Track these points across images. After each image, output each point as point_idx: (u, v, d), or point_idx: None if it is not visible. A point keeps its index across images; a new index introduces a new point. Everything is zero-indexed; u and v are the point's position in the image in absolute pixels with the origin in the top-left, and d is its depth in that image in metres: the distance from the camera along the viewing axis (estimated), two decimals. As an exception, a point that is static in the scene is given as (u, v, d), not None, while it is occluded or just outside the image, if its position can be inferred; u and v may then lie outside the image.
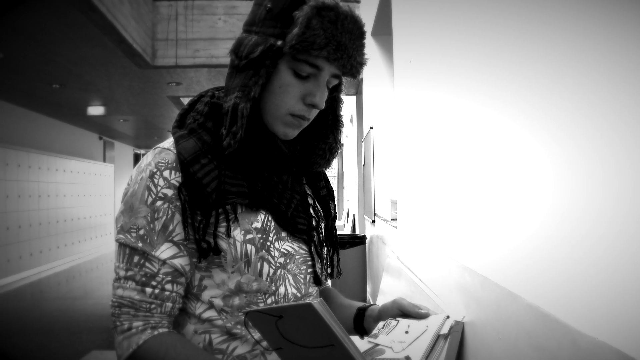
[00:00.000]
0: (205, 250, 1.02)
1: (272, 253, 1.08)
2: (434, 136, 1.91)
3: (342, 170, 11.04)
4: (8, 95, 8.91)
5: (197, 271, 1.06)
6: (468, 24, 1.44)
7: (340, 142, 1.21)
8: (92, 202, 13.23)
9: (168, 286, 1.02)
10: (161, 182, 1.01)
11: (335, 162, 1.31)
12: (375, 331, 1.26)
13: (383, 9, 3.91)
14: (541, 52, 0.97)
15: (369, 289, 5.61)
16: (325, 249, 1.25)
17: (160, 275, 1.01)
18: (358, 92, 7.64)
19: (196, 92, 8.64)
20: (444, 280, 1.70)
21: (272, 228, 1.09)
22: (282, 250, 1.10)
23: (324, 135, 1.19)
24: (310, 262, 1.17)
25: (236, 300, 1.06)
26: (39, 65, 7.06)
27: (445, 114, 1.71)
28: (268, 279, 1.07)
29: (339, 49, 0.99)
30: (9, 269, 9.07)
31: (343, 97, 1.22)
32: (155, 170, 1.02)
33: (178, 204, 1.02)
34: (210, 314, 1.06)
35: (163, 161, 1.03)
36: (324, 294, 1.36)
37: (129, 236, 1.01)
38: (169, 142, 1.09)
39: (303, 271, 1.15)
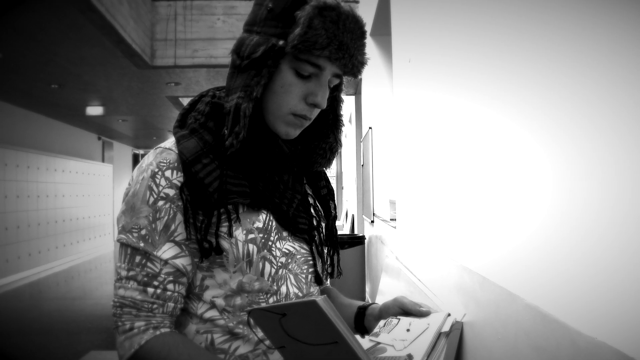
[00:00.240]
0: (207, 250, 1.02)
1: (274, 253, 1.08)
2: (433, 136, 1.91)
3: (341, 171, 11.05)
4: (7, 95, 8.91)
5: (199, 271, 1.06)
6: (467, 24, 1.44)
7: (340, 141, 1.21)
8: (90, 202, 13.23)
9: (170, 286, 1.02)
10: (163, 182, 1.01)
11: (334, 162, 1.32)
12: (376, 330, 1.26)
13: (382, 9, 3.91)
14: (540, 51, 0.97)
15: (367, 289, 5.61)
16: (326, 248, 1.25)
17: (162, 275, 1.01)
18: (357, 92, 7.63)
19: (195, 92, 8.66)
20: (443, 280, 1.70)
21: (273, 228, 1.09)
22: (283, 250, 1.10)
23: (324, 134, 1.19)
24: (311, 262, 1.18)
25: (238, 300, 1.06)
26: (38, 66, 7.06)
27: (444, 114, 1.71)
28: (270, 279, 1.07)
29: (341, 49, 0.99)
30: (8, 269, 9.07)
31: (343, 96, 1.22)
32: (156, 170, 1.02)
33: (180, 203, 1.02)
34: (212, 313, 1.06)
35: (165, 161, 1.03)
36: (325, 294, 1.36)
37: (130, 236, 1.01)
38: (170, 142, 1.09)
39: (304, 271, 1.15)
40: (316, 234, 1.19)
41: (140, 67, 7.06)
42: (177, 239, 1.02)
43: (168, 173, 1.02)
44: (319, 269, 1.20)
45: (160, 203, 1.01)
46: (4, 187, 9.02)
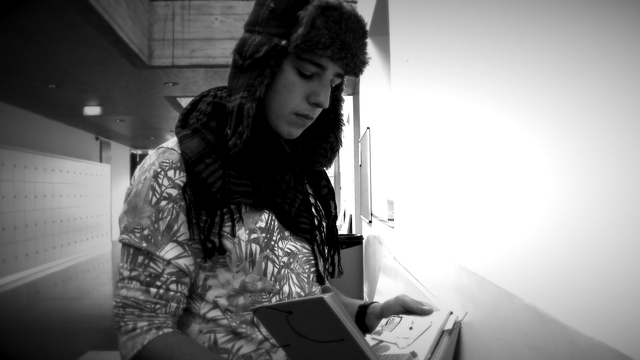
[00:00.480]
0: (210, 250, 1.02)
1: (276, 252, 1.08)
2: (431, 136, 1.91)
3: (339, 171, 11.04)
4: (5, 95, 8.90)
5: (202, 271, 1.06)
6: (465, 23, 1.44)
7: (341, 140, 1.22)
8: (88, 202, 13.21)
9: (172, 286, 1.02)
10: (165, 182, 1.02)
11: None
12: (378, 328, 1.26)
13: (380, 9, 3.91)
14: (539, 51, 0.97)
15: (365, 289, 5.61)
16: (326, 248, 1.25)
17: (165, 276, 1.01)
18: (355, 92, 7.63)
19: (193, 92, 8.66)
20: (441, 280, 1.70)
21: (275, 227, 1.09)
22: (285, 249, 1.10)
23: (325, 134, 1.20)
24: (313, 261, 1.18)
25: (241, 300, 1.06)
26: (36, 65, 7.05)
27: (442, 114, 1.71)
28: (272, 278, 1.07)
29: (343, 49, 1.00)
30: (5, 270, 9.06)
31: (343, 96, 1.23)
32: (159, 170, 1.02)
33: (182, 203, 1.02)
34: (215, 313, 1.06)
35: (167, 161, 1.03)
36: (324, 292, 1.36)
37: (132, 236, 1.01)
38: (172, 142, 1.09)
39: (306, 270, 1.16)
40: (318, 233, 1.19)
41: (138, 67, 7.06)
42: (180, 239, 1.02)
43: (171, 173, 1.02)
44: (321, 268, 1.20)
45: (163, 203, 1.01)
46: (1, 187, 9.01)
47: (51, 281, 9.50)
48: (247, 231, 1.04)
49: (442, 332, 1.24)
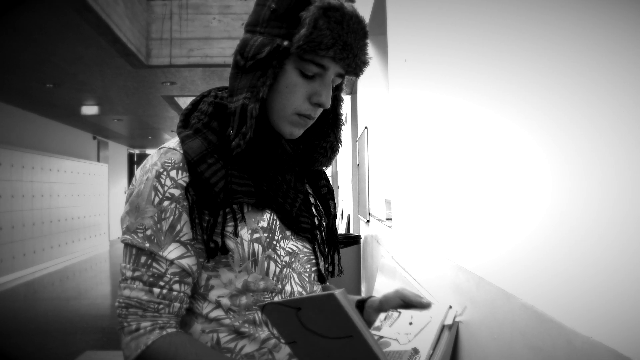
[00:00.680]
0: (213, 250, 1.02)
1: (278, 252, 1.09)
2: (428, 136, 1.91)
3: (337, 170, 11.03)
4: (2, 94, 8.88)
5: (204, 271, 1.07)
6: (463, 23, 1.44)
7: (341, 140, 1.22)
8: (86, 202, 13.19)
9: (176, 286, 1.02)
10: (168, 182, 1.02)
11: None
12: (377, 323, 1.26)
13: (378, 9, 3.91)
14: (537, 51, 0.97)
15: (363, 288, 5.61)
16: (326, 247, 1.25)
17: (168, 276, 1.01)
18: (352, 91, 7.63)
19: (190, 91, 8.65)
20: (439, 280, 1.70)
21: (277, 227, 1.10)
22: (287, 249, 1.11)
23: (324, 133, 1.20)
24: (314, 261, 1.19)
25: (243, 300, 1.06)
26: (34, 65, 7.04)
27: (440, 113, 1.71)
28: (274, 278, 1.08)
29: (345, 49, 1.01)
30: (3, 269, 9.04)
31: (342, 96, 1.23)
32: (161, 170, 1.03)
33: (185, 204, 1.02)
34: (218, 313, 1.07)
35: (169, 161, 1.04)
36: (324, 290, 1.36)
37: (135, 237, 1.01)
38: (174, 142, 1.09)
39: (307, 269, 1.16)
40: (318, 233, 1.20)
41: (135, 67, 7.05)
42: (183, 239, 1.03)
43: (173, 173, 1.02)
44: (322, 267, 1.21)
45: (166, 203, 1.01)
46: (-1, 187, 9.01)
47: (49, 281, 9.49)
48: (250, 231, 1.05)
49: (443, 327, 1.24)
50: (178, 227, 1.02)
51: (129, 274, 1.02)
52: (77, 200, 12.60)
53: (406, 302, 1.26)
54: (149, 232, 1.01)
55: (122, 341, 1.01)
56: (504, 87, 1.13)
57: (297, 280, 1.12)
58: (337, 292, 0.86)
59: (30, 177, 10.12)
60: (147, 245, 1.00)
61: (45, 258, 10.70)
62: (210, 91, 1.17)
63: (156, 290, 1.00)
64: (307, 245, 1.17)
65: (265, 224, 1.07)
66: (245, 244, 1.04)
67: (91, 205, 13.61)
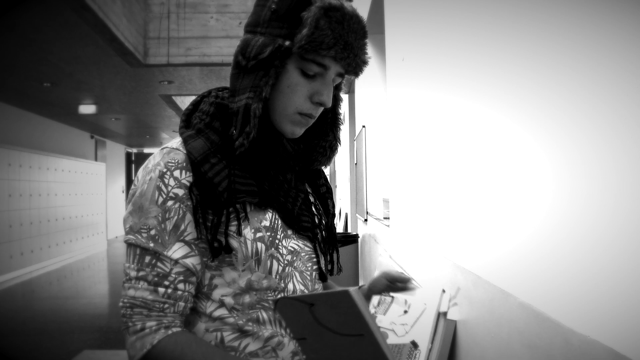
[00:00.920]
0: (217, 249, 1.03)
1: (281, 251, 1.10)
2: (426, 135, 1.91)
3: (334, 169, 11.03)
4: (0, 94, 8.87)
5: (208, 270, 1.07)
6: (461, 22, 1.44)
7: (339, 139, 1.23)
8: (83, 201, 13.18)
9: (180, 286, 1.02)
10: (172, 182, 1.02)
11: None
12: (371, 310, 1.26)
13: (375, 8, 3.91)
14: (535, 49, 0.97)
15: (361, 287, 5.60)
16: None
17: (173, 275, 1.02)
18: (350, 90, 7.63)
19: (188, 90, 8.64)
20: (437, 279, 1.70)
21: (279, 226, 1.11)
22: (289, 247, 1.12)
23: (324, 133, 1.21)
24: (315, 259, 1.19)
25: (247, 298, 1.07)
26: (31, 64, 7.03)
27: (438, 112, 1.71)
28: (277, 276, 1.09)
29: (346, 49, 1.02)
30: (0, 269, 9.03)
31: (341, 95, 1.24)
32: (165, 170, 1.03)
33: (189, 203, 1.03)
34: (221, 312, 1.07)
35: (173, 161, 1.04)
36: (325, 288, 1.37)
37: (139, 236, 1.02)
38: (176, 142, 1.10)
39: (309, 268, 1.17)
40: (319, 231, 1.21)
41: (133, 66, 7.05)
42: (187, 238, 1.03)
43: (177, 173, 1.03)
44: (323, 266, 1.22)
45: (170, 203, 1.02)
46: (-4, 186, 8.99)
47: (46, 280, 9.48)
48: (253, 230, 1.06)
49: (438, 316, 1.24)
50: (182, 227, 1.02)
51: (133, 273, 1.02)
52: (75, 200, 12.59)
53: (391, 280, 1.27)
54: (153, 232, 1.01)
55: (127, 341, 1.01)
56: (502, 85, 1.14)
57: (299, 278, 1.13)
58: (352, 290, 0.86)
59: (28, 176, 10.10)
60: (152, 245, 1.01)
61: (43, 257, 10.68)
62: (210, 91, 1.18)
63: (161, 289, 1.01)
64: (308, 244, 1.18)
65: (267, 223, 1.08)
66: (249, 243, 1.05)
67: (89, 205, 13.59)
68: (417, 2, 2.07)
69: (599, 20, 0.75)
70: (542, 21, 0.93)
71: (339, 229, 8.43)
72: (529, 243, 0.99)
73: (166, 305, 1.01)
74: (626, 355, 0.67)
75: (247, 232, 1.05)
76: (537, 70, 0.95)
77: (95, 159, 14.70)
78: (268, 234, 1.07)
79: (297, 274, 1.13)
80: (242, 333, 1.06)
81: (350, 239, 5.81)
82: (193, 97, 1.21)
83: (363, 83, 5.04)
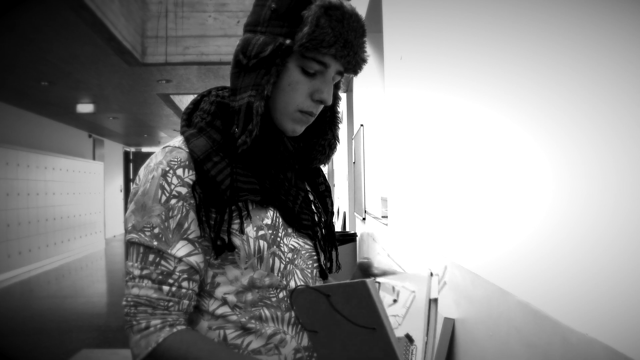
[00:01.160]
0: (220, 247, 1.03)
1: (282, 249, 1.11)
2: (424, 134, 1.91)
3: (333, 168, 11.03)
4: (-3, 93, 8.87)
5: (210, 268, 1.08)
6: (459, 21, 1.44)
7: (338, 137, 1.24)
8: (81, 200, 13.16)
9: (184, 284, 1.03)
10: (175, 181, 1.03)
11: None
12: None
13: (373, 6, 3.91)
14: (533, 48, 0.97)
15: (360, 286, 5.60)
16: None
17: (177, 273, 1.02)
18: (348, 89, 7.63)
19: (186, 89, 8.63)
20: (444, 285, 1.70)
21: (280, 224, 1.12)
22: (289, 245, 1.13)
23: (322, 131, 1.23)
24: (315, 257, 1.20)
25: (249, 296, 1.08)
26: (29, 63, 7.02)
27: (436, 111, 1.71)
28: (279, 274, 1.10)
29: (346, 47, 1.04)
30: (-2, 268, 9.03)
31: (339, 94, 1.25)
32: (167, 168, 1.04)
33: (192, 201, 1.04)
34: (224, 310, 1.08)
35: (175, 159, 1.05)
36: None
37: (142, 235, 1.02)
38: (178, 141, 1.11)
39: (309, 266, 1.18)
40: (318, 229, 1.21)
41: (131, 65, 7.04)
42: (191, 236, 1.04)
43: (180, 171, 1.04)
44: (323, 263, 1.23)
45: (173, 201, 1.02)
46: (-6, 185, 8.98)
47: (44, 279, 9.47)
48: (255, 228, 1.06)
49: (430, 303, 1.23)
50: (185, 225, 1.03)
51: (136, 272, 1.02)
52: (73, 199, 12.57)
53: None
54: (156, 230, 1.02)
55: (131, 340, 1.01)
56: (500, 84, 1.14)
57: (300, 276, 1.14)
58: (368, 280, 0.87)
59: (26, 176, 10.09)
60: (155, 243, 1.01)
61: (41, 256, 10.67)
62: (210, 91, 1.20)
63: (165, 287, 1.01)
64: (309, 242, 1.19)
65: (269, 221, 1.09)
66: (251, 241, 1.05)
67: (87, 204, 13.57)
68: (415, 1, 2.07)
69: (599, 20, 0.75)
70: (541, 21, 0.94)
71: (337, 227, 8.44)
72: (528, 242, 0.99)
73: (171, 304, 1.02)
74: (624, 353, 0.68)
75: (250, 230, 1.06)
76: (536, 70, 0.95)
77: (93, 158, 14.68)
78: (270, 231, 1.08)
79: (298, 272, 1.14)
80: (245, 331, 1.07)
81: (349, 238, 5.81)
82: (191, 96, 1.22)
83: (361, 82, 5.04)
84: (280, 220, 1.12)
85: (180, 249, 1.02)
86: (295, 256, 1.14)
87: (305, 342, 1.11)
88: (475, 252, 1.30)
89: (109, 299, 7.71)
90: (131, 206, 1.06)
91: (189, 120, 1.16)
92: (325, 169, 14.41)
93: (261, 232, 1.07)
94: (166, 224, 1.02)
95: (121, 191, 17.44)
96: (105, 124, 12.88)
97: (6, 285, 8.73)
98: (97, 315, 6.58)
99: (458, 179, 1.46)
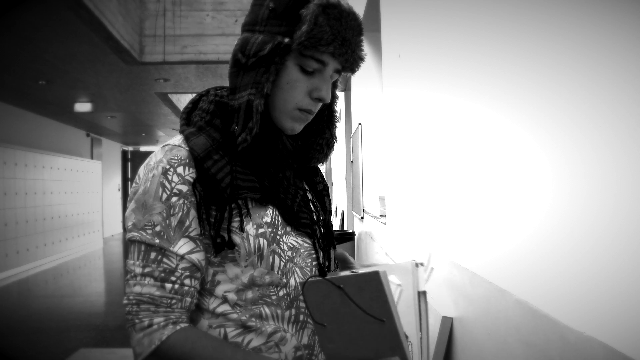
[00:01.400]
0: (220, 244, 1.04)
1: (282, 247, 1.11)
2: (422, 132, 1.91)
3: (331, 167, 11.04)
4: (-6, 92, 8.85)
5: (210, 266, 1.08)
6: (457, 20, 1.44)
7: (336, 136, 1.25)
8: (79, 199, 13.16)
9: (187, 281, 1.03)
10: (175, 178, 1.03)
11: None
12: None
13: (371, 5, 3.91)
14: (533, 48, 0.97)
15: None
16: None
17: (179, 271, 1.03)
18: (346, 88, 7.63)
19: (184, 88, 8.62)
20: (433, 276, 1.70)
21: (280, 222, 1.12)
22: (289, 244, 1.13)
23: (320, 130, 1.23)
24: (314, 255, 1.20)
25: (249, 294, 1.08)
26: (26, 62, 7.01)
27: (434, 110, 1.71)
28: (279, 272, 1.10)
29: (344, 45, 1.05)
30: (-4, 267, 9.03)
31: (336, 93, 1.26)
32: (168, 167, 1.04)
33: (193, 199, 1.04)
34: (225, 308, 1.08)
35: (175, 158, 1.05)
36: None
37: (144, 233, 1.02)
38: (177, 139, 1.11)
39: (309, 264, 1.18)
40: (317, 228, 1.22)
41: (129, 64, 7.03)
42: (192, 234, 1.04)
43: (180, 169, 1.04)
44: (322, 262, 1.23)
45: (174, 199, 1.03)
46: (-8, 185, 8.97)
47: (42, 279, 9.46)
48: (255, 226, 1.07)
49: (419, 296, 1.23)
50: (187, 223, 1.03)
51: (138, 270, 1.02)
52: (71, 198, 12.57)
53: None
54: (158, 228, 1.02)
55: (133, 338, 1.01)
56: (499, 83, 1.14)
57: (299, 274, 1.14)
58: (381, 272, 0.88)
59: (24, 175, 10.08)
60: (157, 241, 1.01)
61: (38, 256, 10.67)
62: (208, 90, 1.20)
63: (168, 285, 1.01)
64: (307, 240, 1.19)
65: (268, 219, 1.10)
66: (251, 238, 1.06)
67: (85, 203, 13.57)
68: (413, 0, 2.07)
69: (599, 20, 0.75)
70: (540, 20, 0.94)
71: (336, 226, 8.44)
72: (527, 241, 0.99)
73: (174, 301, 1.02)
74: (622, 352, 0.68)
75: (250, 227, 1.06)
76: (536, 69, 0.95)
77: (91, 157, 14.67)
78: (270, 229, 1.08)
79: (297, 270, 1.14)
80: (245, 329, 1.07)
81: (347, 237, 5.81)
82: (189, 95, 1.23)
83: (359, 81, 5.04)
84: (280, 218, 1.12)
85: (182, 246, 1.03)
86: (294, 254, 1.14)
87: (305, 340, 1.11)
88: (473, 251, 1.30)
89: (106, 298, 7.71)
90: (131, 205, 1.07)
91: (188, 119, 1.16)
92: (323, 168, 14.42)
93: (261, 230, 1.07)
94: (167, 221, 1.02)
95: (119, 190, 17.43)
96: (103, 123, 12.87)
97: (4, 285, 8.72)
98: (95, 314, 6.58)
99: (456, 178, 1.46)
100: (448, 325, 1.41)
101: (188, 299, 1.04)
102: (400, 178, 2.46)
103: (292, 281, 1.12)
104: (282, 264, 1.10)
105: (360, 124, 4.87)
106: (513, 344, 1.04)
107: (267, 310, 1.08)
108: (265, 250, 1.07)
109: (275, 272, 1.09)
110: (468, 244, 1.35)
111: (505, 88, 1.09)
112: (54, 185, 11.53)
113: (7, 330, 5.89)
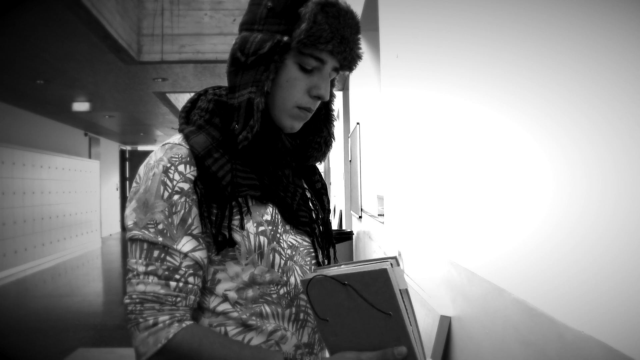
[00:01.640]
0: (221, 242, 1.04)
1: (282, 245, 1.11)
2: (421, 132, 1.91)
3: (329, 166, 11.04)
4: (-8, 91, 8.84)
5: (211, 265, 1.09)
6: (455, 19, 1.44)
7: (333, 135, 1.26)
8: (77, 198, 13.14)
9: (190, 279, 1.04)
10: (177, 177, 1.04)
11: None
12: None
13: (370, 5, 3.91)
14: (532, 48, 0.97)
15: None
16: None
17: (183, 269, 1.03)
18: (344, 88, 7.63)
19: (182, 87, 8.61)
20: (431, 275, 1.70)
21: (279, 221, 1.12)
22: (288, 242, 1.14)
23: (317, 129, 1.24)
24: (313, 254, 1.21)
25: (250, 292, 1.08)
26: (24, 62, 7.00)
27: (433, 109, 1.71)
28: (280, 270, 1.10)
29: (342, 43, 1.06)
30: (-6, 267, 9.01)
31: (334, 92, 1.27)
32: (169, 165, 1.04)
33: (194, 197, 1.04)
34: (225, 306, 1.08)
35: (176, 156, 1.06)
36: None
37: (146, 232, 1.02)
38: (177, 138, 1.12)
39: (308, 262, 1.19)
40: (316, 226, 1.22)
41: (127, 63, 7.03)
42: (194, 232, 1.05)
43: (181, 167, 1.04)
44: (321, 260, 1.23)
45: (176, 197, 1.03)
46: (-10, 184, 8.96)
47: (40, 278, 9.45)
48: (255, 224, 1.07)
49: (401, 295, 1.21)
50: (189, 221, 1.04)
51: (141, 268, 1.02)
52: (69, 197, 12.55)
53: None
54: (160, 227, 1.02)
55: (137, 338, 1.01)
56: (498, 83, 1.14)
57: (299, 272, 1.15)
58: (389, 268, 0.88)
59: (21, 174, 10.07)
60: (160, 239, 1.02)
61: (37, 255, 10.65)
62: (207, 90, 1.21)
63: (172, 283, 1.02)
64: (307, 239, 1.20)
65: (268, 217, 1.10)
66: (252, 236, 1.06)
67: (83, 202, 13.55)
68: (411, -2, 2.07)
69: (599, 20, 0.75)
70: (540, 20, 0.94)
71: (334, 226, 8.44)
72: (525, 240, 0.99)
73: (178, 299, 1.02)
74: (620, 351, 0.68)
75: (250, 225, 1.06)
76: (535, 69, 0.95)
77: (89, 157, 14.66)
78: (270, 227, 1.09)
79: (297, 268, 1.14)
80: (246, 327, 1.08)
81: (345, 236, 5.81)
82: (187, 94, 1.23)
83: (357, 80, 5.04)
84: (279, 217, 1.12)
85: (185, 244, 1.03)
86: (294, 253, 1.14)
87: (305, 338, 1.11)
88: (471, 250, 1.31)
89: (105, 298, 7.70)
90: (132, 204, 1.07)
91: (187, 118, 1.17)
92: (321, 167, 14.42)
93: (261, 228, 1.07)
94: (170, 219, 1.02)
95: (117, 190, 17.41)
96: (101, 122, 12.86)
97: (2, 284, 8.71)
98: (93, 314, 6.57)
99: (455, 178, 1.46)
100: (446, 324, 1.41)
101: (192, 297, 1.04)
102: (399, 177, 2.46)
103: (292, 279, 1.12)
104: (283, 262, 1.10)
105: (358, 124, 4.87)
106: (511, 343, 1.04)
107: (267, 308, 1.09)
108: (265, 248, 1.07)
109: (276, 270, 1.09)
110: (466, 243, 1.35)
111: (504, 87, 1.09)
112: (52, 184, 11.52)
113: (6, 330, 5.88)
